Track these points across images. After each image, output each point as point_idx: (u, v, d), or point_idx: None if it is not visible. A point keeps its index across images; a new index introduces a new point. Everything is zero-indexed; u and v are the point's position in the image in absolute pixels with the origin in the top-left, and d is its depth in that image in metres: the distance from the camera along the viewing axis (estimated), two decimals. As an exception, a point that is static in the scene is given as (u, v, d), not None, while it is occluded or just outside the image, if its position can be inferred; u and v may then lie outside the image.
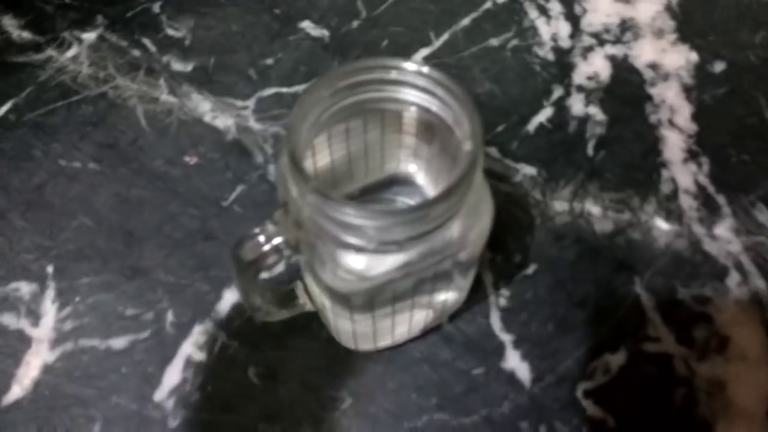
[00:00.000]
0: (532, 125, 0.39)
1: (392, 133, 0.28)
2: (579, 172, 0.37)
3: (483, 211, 0.25)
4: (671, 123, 0.39)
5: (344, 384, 0.31)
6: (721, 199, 0.36)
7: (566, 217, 0.36)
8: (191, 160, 0.38)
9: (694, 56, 0.41)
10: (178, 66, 0.41)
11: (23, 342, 0.32)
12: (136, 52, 0.42)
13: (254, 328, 0.32)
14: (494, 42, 0.42)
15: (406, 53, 0.41)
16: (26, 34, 0.42)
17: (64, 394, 0.31)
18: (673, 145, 0.38)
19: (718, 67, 0.41)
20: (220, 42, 0.42)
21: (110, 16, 0.43)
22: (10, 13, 0.43)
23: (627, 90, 0.40)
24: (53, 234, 0.35)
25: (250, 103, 0.40)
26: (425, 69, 0.24)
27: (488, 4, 0.44)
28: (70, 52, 0.42)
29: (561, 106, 0.39)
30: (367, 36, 0.42)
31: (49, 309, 0.33)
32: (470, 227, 0.24)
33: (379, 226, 0.22)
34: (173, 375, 0.32)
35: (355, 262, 0.24)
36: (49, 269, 0.34)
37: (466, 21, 0.43)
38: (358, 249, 0.23)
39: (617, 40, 0.42)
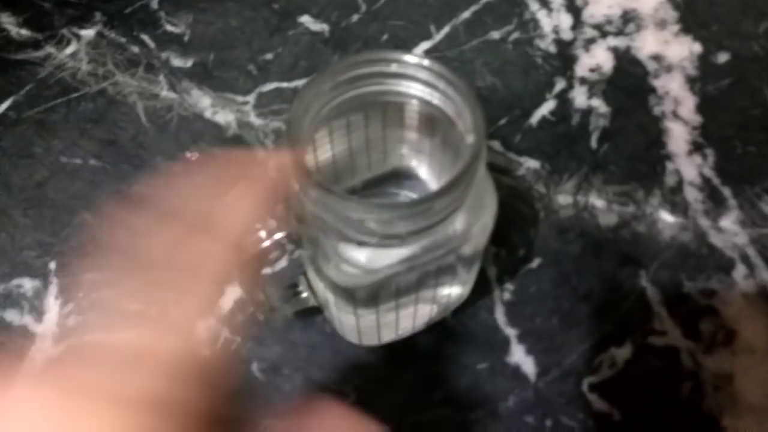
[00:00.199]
0: (534, 118, 0.39)
1: (394, 126, 0.28)
2: (583, 165, 0.37)
3: (486, 205, 0.25)
4: (675, 115, 0.39)
5: (348, 379, 0.31)
6: (726, 191, 0.36)
7: (570, 210, 0.36)
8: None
9: (697, 47, 0.41)
10: (177, 62, 0.41)
11: (27, 338, 0.32)
12: (135, 49, 0.41)
13: (258, 324, 0.32)
14: (495, 35, 0.42)
15: (407, 47, 0.41)
16: (25, 32, 0.42)
17: (67, 392, 0.31)
18: (678, 137, 0.38)
19: (722, 58, 0.41)
20: (220, 37, 0.42)
21: (108, 13, 0.43)
22: (9, 10, 0.43)
23: (630, 82, 0.40)
24: (55, 230, 0.35)
25: (251, 98, 0.39)
26: (426, 61, 0.24)
27: (489, -3, 0.43)
28: (69, 49, 0.41)
29: (564, 99, 0.39)
30: (367, 30, 0.42)
31: (53, 305, 0.33)
32: (473, 221, 0.24)
33: (382, 220, 0.22)
34: (176, 372, 0.31)
35: (359, 256, 0.23)
36: (52, 265, 0.34)
37: (466, 14, 0.43)
38: (361, 243, 0.23)
39: (619, 32, 0.42)
